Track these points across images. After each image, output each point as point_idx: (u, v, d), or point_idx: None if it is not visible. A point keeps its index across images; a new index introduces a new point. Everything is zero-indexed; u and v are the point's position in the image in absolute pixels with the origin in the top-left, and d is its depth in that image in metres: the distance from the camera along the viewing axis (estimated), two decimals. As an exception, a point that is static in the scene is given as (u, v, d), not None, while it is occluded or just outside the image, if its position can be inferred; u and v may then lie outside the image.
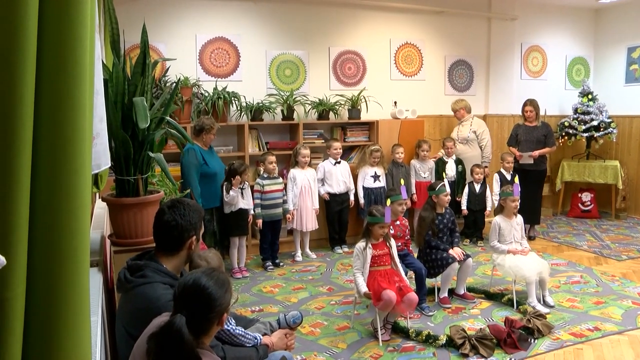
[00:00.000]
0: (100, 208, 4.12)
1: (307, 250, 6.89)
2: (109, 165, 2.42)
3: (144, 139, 2.98)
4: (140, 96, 2.89)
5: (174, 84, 4.95)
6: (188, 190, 4.97)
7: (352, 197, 7.03)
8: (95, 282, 2.53)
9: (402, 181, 5.46)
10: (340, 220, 7.07)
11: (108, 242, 3.28)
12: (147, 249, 2.67)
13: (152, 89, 4.59)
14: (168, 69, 6.46)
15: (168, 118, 3.17)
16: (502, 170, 7.36)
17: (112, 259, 3.11)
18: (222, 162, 6.10)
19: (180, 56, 6.57)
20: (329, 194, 6.88)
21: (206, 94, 6.68)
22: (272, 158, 6.28)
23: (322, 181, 6.91)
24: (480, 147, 7.68)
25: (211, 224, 5.94)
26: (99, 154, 2.21)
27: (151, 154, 3.02)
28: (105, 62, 3.04)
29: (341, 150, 6.97)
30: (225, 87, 6.82)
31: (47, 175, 1.11)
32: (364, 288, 4.31)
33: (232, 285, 2.17)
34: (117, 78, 2.84)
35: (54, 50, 1.11)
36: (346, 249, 7.02)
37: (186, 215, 2.52)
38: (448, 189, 5.26)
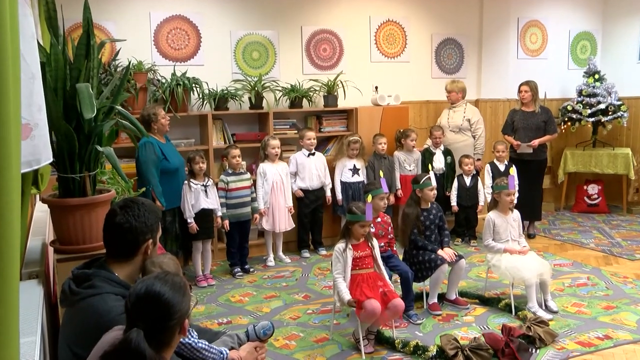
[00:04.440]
0: (42, 211, 4.06)
1: (280, 253, 6.88)
2: (51, 160, 2.38)
3: (91, 131, 2.95)
4: (85, 82, 2.86)
5: (125, 69, 4.91)
6: (143, 189, 4.93)
7: (328, 193, 7.03)
8: (34, 296, 2.50)
9: (382, 173, 5.46)
10: (315, 219, 7.06)
11: (50, 249, 3.24)
12: (96, 255, 2.64)
13: (100, 74, 4.55)
14: (118, 51, 6.37)
15: (119, 107, 3.15)
16: (495, 161, 7.40)
17: (55, 269, 3.08)
18: (183, 157, 6.06)
19: (132, 37, 6.46)
20: (301, 189, 6.87)
21: (163, 80, 6.63)
22: (236, 152, 6.26)
23: (295, 175, 6.89)
24: (473, 137, 7.70)
25: (173, 226, 5.90)
26: (38, 147, 2.18)
27: (99, 148, 2.99)
28: (42, 42, 2.99)
29: (315, 141, 6.94)
30: (185, 72, 6.77)
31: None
32: (347, 296, 4.30)
33: (188, 286, 2.16)
34: (57, 61, 2.81)
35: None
36: (323, 252, 7.02)
37: (141, 216, 2.49)
38: (434, 183, 5.28)
